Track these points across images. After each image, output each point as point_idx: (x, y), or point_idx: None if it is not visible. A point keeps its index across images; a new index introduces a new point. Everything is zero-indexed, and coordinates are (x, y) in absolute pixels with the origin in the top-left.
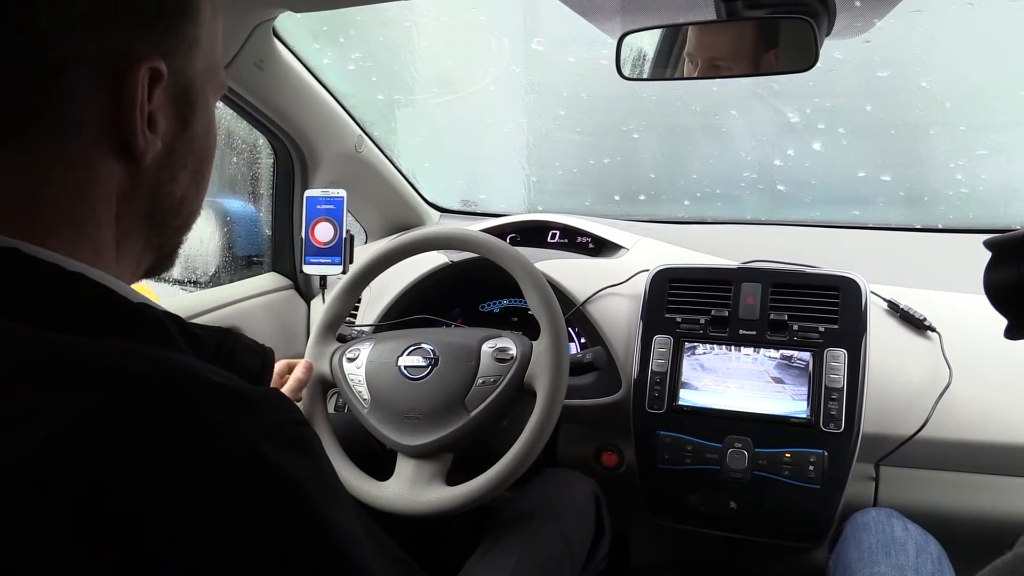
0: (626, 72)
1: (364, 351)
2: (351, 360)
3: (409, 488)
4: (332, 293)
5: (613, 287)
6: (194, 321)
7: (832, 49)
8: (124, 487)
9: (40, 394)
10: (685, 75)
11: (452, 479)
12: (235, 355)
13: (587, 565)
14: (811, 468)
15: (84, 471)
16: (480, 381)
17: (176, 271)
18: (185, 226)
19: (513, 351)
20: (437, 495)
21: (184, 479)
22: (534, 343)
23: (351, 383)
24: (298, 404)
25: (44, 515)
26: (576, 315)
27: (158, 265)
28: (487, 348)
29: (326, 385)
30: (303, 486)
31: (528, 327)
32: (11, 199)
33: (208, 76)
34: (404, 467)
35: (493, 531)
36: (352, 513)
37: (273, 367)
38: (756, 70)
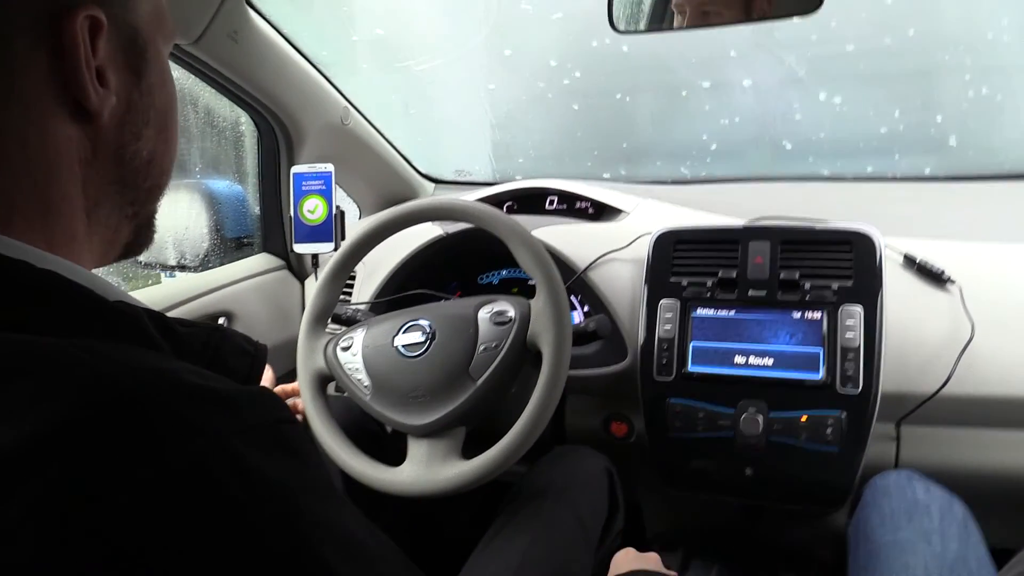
0: (620, 27)
1: (358, 337)
2: (345, 349)
3: (425, 468)
4: (317, 282)
5: (615, 252)
6: (186, 307)
7: None
8: (93, 494)
9: (4, 397)
10: (677, 26)
11: (466, 455)
12: (221, 355)
13: (601, 542)
14: (829, 431)
15: (49, 477)
16: (482, 348)
17: (172, 257)
18: (157, 189)
19: (511, 313)
20: (456, 470)
21: (158, 484)
22: (531, 302)
23: (348, 372)
24: (297, 411)
25: (5, 522)
26: (577, 283)
27: (136, 240)
28: (484, 314)
29: (323, 379)
30: (286, 490)
31: (528, 296)
32: None
33: (155, 23)
34: (417, 448)
35: (505, 510)
36: (345, 515)
37: (263, 366)
38: (750, 16)
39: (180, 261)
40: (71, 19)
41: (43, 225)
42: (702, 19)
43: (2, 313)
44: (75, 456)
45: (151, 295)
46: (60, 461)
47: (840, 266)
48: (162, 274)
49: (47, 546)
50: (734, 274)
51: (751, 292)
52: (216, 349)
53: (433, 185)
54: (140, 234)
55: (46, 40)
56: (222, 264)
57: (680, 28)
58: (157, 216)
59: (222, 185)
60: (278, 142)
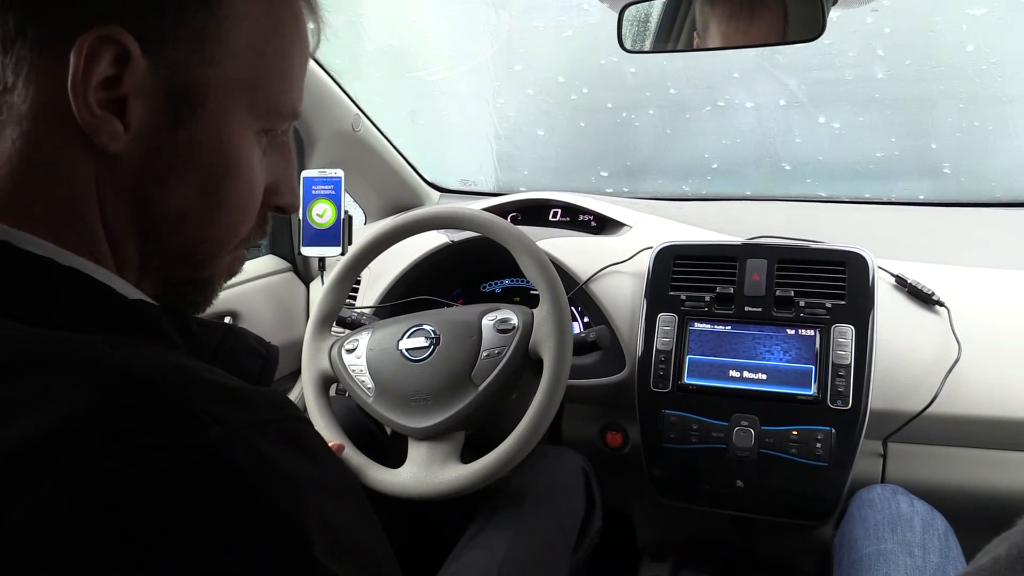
0: (628, 46)
1: (363, 340)
2: (350, 351)
3: (424, 471)
4: (325, 285)
5: (616, 265)
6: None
7: (838, 19)
8: (108, 485)
9: (25, 390)
10: (688, 47)
11: (465, 459)
12: (235, 355)
13: (580, 541)
14: (818, 445)
15: (66, 469)
16: (485, 354)
17: None
18: (191, 254)
19: (515, 320)
20: (454, 474)
21: (174, 473)
22: (534, 311)
23: (352, 374)
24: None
25: (30, 508)
26: (579, 294)
27: (170, 297)
28: (487, 321)
29: (327, 380)
30: (294, 484)
31: (530, 305)
32: (2, 186)
33: (238, 90)
34: (417, 451)
35: (483, 512)
36: (358, 516)
37: (275, 367)
38: (762, 40)
39: None
40: (80, 38)
41: (65, 241)
42: (712, 42)
43: (24, 307)
44: (92, 448)
45: None
46: (78, 452)
47: (834, 285)
48: None
49: (65, 536)
50: (731, 290)
51: (747, 308)
52: (230, 349)
53: (439, 194)
54: (174, 294)
55: (55, 55)
56: None
57: (688, 49)
58: (208, 289)
59: None
60: None
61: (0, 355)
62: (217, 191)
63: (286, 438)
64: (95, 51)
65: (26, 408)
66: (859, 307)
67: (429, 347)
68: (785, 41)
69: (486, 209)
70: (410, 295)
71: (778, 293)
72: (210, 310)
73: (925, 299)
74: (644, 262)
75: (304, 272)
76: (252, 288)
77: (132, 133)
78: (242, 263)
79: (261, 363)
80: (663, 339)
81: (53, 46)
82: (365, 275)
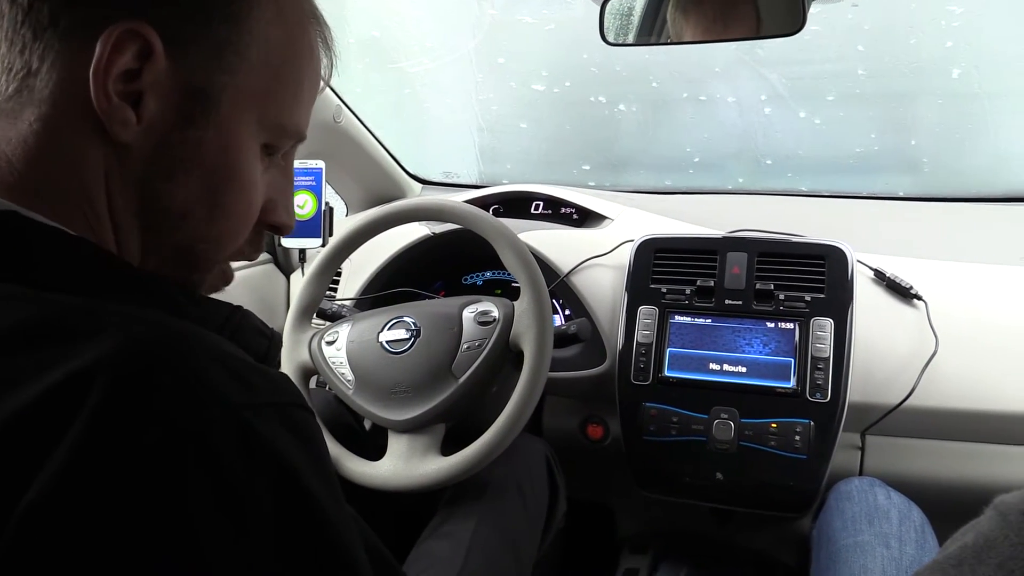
0: (610, 39)
1: (343, 332)
2: (330, 343)
3: (404, 463)
4: (305, 276)
5: (597, 258)
6: None
7: (819, 14)
8: (107, 444)
9: (39, 354)
10: (670, 40)
11: (445, 452)
12: (241, 332)
13: (547, 527)
14: (797, 438)
15: (79, 428)
16: (465, 347)
17: None
18: (190, 255)
19: (495, 313)
20: (434, 467)
21: (165, 445)
22: (515, 303)
23: (332, 366)
24: None
25: (36, 468)
26: (560, 286)
27: None
28: (468, 313)
29: (307, 372)
30: (298, 471)
31: (511, 298)
32: (13, 167)
33: (250, 101)
34: (397, 443)
35: (447, 501)
36: (344, 503)
37: (279, 351)
38: (742, 34)
39: None
40: (109, 29)
41: (66, 219)
42: (694, 36)
43: (37, 274)
44: (95, 411)
45: None
46: (83, 414)
47: (813, 279)
48: None
49: (57, 496)
50: (712, 283)
51: (727, 301)
52: (236, 327)
53: (420, 186)
54: None
55: (82, 44)
56: None
57: (670, 42)
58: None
59: None
60: None
61: (15, 319)
62: (219, 193)
63: (283, 423)
64: (121, 42)
65: (36, 374)
66: (838, 301)
67: (409, 339)
68: (765, 35)
69: (468, 201)
70: (391, 287)
71: (758, 286)
72: None
73: (903, 293)
74: (625, 255)
75: (284, 263)
76: None
77: (144, 126)
78: (229, 280)
79: (266, 343)
80: (644, 332)
81: (81, 36)
82: (346, 267)
